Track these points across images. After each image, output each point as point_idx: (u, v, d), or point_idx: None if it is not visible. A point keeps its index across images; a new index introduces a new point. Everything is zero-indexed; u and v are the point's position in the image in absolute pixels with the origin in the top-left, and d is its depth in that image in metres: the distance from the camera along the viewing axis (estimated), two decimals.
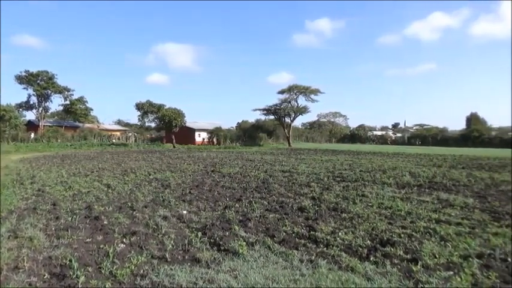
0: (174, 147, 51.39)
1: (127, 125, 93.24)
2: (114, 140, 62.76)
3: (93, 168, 18.33)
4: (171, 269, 4.85)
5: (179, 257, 5.36)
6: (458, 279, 4.52)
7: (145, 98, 63.78)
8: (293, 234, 6.56)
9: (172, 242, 5.96)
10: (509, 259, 5.26)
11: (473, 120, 79.47)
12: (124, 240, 6.11)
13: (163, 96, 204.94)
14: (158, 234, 6.45)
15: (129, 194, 10.64)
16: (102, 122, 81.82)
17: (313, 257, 5.32)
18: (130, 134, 69.88)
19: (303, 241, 6.14)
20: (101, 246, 5.73)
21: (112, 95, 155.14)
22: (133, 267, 4.86)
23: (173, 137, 54.05)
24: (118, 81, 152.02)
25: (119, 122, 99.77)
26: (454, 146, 62.87)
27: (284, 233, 6.61)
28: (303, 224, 7.26)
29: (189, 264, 5.06)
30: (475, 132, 66.93)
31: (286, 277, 4.60)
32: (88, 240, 6.13)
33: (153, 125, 61.19)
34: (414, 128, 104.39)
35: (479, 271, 4.82)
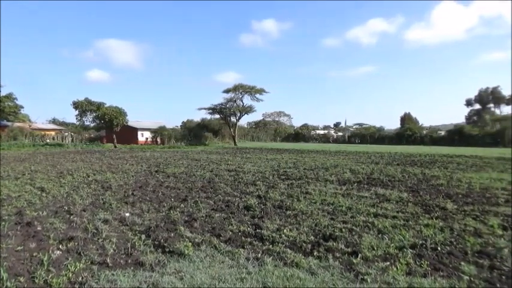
0: (115, 147, 49.26)
1: (63, 124, 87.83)
2: (48, 140, 58.68)
3: (25, 171, 17.01)
4: (113, 274, 4.64)
5: (121, 261, 5.16)
6: (394, 268, 4.81)
7: (84, 95, 60.27)
8: (239, 233, 6.58)
9: (113, 246, 5.72)
10: (439, 248, 5.71)
11: (406, 119, 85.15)
12: (60, 246, 5.74)
13: (104, 94, 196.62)
14: (98, 239, 6.15)
15: (66, 198, 10.03)
16: (35, 120, 76.19)
17: (259, 255, 5.38)
18: (66, 133, 65.86)
19: (249, 239, 6.18)
20: (34, 254, 5.34)
21: (46, 92, 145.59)
22: (70, 275, 4.59)
23: (114, 136, 51.79)
24: (53, 77, 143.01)
25: (54, 121, 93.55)
26: (390, 144, 66.88)
27: (230, 232, 6.62)
28: (249, 223, 7.31)
29: (132, 268, 4.89)
30: (408, 131, 71.58)
31: (232, 276, 4.61)
32: (19, 248, 5.67)
33: (92, 124, 58.13)
34: (354, 127, 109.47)
35: (413, 260, 5.17)
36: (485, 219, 7.64)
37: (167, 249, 5.62)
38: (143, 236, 6.24)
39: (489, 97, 72.76)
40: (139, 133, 65.35)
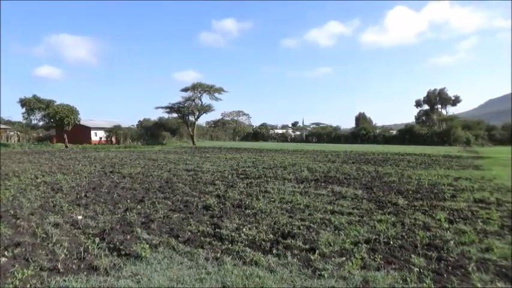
0: (66, 147, 47.00)
1: (8, 122, 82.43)
2: None
3: None
4: (64, 280, 4.43)
5: (74, 266, 4.93)
6: (350, 263, 4.97)
7: (32, 92, 56.78)
8: (198, 233, 6.52)
9: (65, 250, 5.46)
10: (391, 242, 5.97)
11: (361, 119, 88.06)
12: (6, 253, 5.39)
13: (55, 92, 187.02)
14: (48, 244, 5.84)
15: (12, 201, 9.44)
16: None
17: (219, 254, 5.36)
18: (12, 133, 61.88)
19: (208, 239, 6.14)
20: None
21: None
22: (17, 283, 4.32)
23: (65, 136, 49.35)
24: None
25: None
26: (345, 143, 68.98)
27: (189, 233, 6.54)
28: (208, 222, 7.26)
29: (85, 273, 4.68)
30: (363, 131, 74.12)
31: (191, 277, 4.56)
32: None
33: (41, 123, 55.04)
34: (311, 126, 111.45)
35: (367, 255, 5.37)
36: (433, 213, 8.09)
37: (123, 252, 5.45)
38: (97, 239, 6.01)
39: (436, 98, 76.88)
40: (92, 132, 62.73)
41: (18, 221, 7.27)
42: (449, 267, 4.91)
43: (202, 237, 6.26)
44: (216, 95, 60.06)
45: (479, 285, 4.36)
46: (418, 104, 79.04)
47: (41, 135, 66.63)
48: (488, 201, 9.49)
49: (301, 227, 6.84)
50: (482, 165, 21.14)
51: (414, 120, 79.56)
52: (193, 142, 59.95)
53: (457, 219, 7.53)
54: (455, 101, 75.92)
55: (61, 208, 8.58)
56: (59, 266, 4.87)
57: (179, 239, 6.19)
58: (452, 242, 5.95)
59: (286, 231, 6.55)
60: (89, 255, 5.34)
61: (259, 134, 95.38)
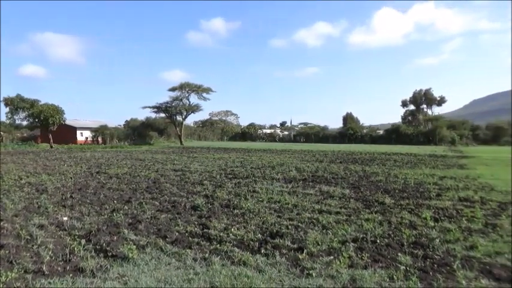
0: (51, 147, 46.26)
1: None
2: None
3: None
4: (50, 283, 4.36)
5: (59, 268, 4.84)
6: (338, 262, 5.00)
7: (16, 91, 55.65)
8: (186, 234, 6.48)
9: (50, 252, 5.36)
10: (378, 241, 6.02)
11: (348, 119, 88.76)
12: None
13: (40, 91, 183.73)
14: (33, 246, 5.74)
15: None
16: None
17: (207, 255, 5.34)
18: None
19: (196, 240, 6.11)
20: None
21: None
22: (1, 286, 4.23)
23: (50, 136, 48.58)
24: None
25: None
26: (333, 143, 69.53)
27: (177, 233, 6.50)
28: (196, 223, 7.22)
29: (71, 275, 4.61)
30: (350, 130, 74.87)
31: (179, 277, 4.53)
32: None
33: (25, 122, 54.06)
34: (299, 126, 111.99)
35: (355, 253, 5.41)
36: (419, 212, 8.20)
37: (110, 254, 5.38)
38: (83, 241, 5.91)
39: (422, 98, 77.94)
40: (78, 132, 61.99)
41: (1, 223, 7.12)
42: (435, 265, 4.98)
43: (190, 238, 6.23)
44: (204, 94, 60.07)
45: (464, 282, 4.44)
46: (404, 104, 79.99)
47: (25, 135, 65.49)
48: (473, 200, 9.67)
49: (290, 227, 6.86)
50: (466, 164, 21.54)
51: (400, 120, 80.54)
52: (181, 142, 59.67)
53: (442, 218, 7.64)
54: (441, 101, 77.09)
55: (46, 209, 8.43)
56: (44, 268, 4.78)
57: (167, 239, 6.14)
58: (437, 240, 6.03)
59: (274, 230, 6.56)
60: (75, 257, 5.26)
61: (248, 134, 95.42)
